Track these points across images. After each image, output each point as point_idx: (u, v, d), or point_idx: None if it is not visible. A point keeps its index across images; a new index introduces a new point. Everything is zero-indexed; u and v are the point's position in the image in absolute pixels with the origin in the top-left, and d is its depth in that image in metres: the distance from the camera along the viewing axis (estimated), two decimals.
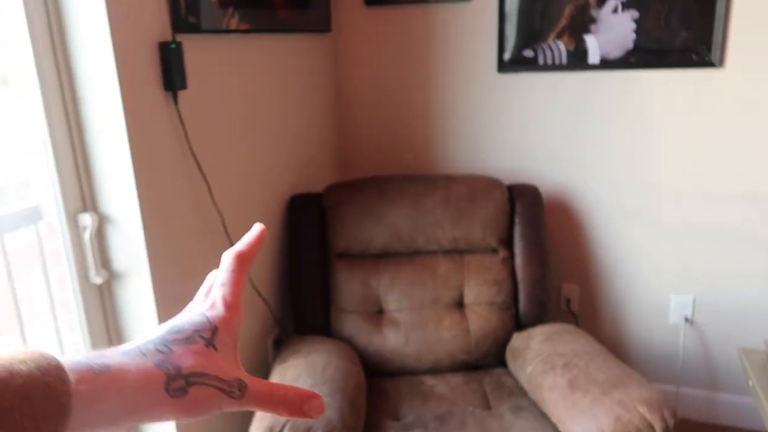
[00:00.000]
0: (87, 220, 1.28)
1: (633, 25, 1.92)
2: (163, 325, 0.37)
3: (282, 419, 1.30)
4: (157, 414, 0.33)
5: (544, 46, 2.01)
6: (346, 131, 2.29)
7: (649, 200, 2.03)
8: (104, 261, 1.34)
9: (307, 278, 1.84)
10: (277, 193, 1.87)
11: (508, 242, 1.89)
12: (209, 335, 0.36)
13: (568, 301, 2.20)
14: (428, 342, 1.76)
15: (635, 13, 1.91)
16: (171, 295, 1.39)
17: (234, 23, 1.55)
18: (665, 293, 2.10)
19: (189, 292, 1.47)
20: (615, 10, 1.92)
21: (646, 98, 1.96)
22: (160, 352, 0.34)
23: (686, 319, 2.09)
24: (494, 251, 1.87)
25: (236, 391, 0.35)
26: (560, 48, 2.00)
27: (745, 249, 1.97)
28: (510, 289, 1.84)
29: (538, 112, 2.07)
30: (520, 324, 1.84)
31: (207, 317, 0.37)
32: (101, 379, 0.31)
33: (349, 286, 1.81)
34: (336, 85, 2.25)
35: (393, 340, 1.76)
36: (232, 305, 0.39)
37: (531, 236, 1.88)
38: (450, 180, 1.90)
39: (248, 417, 1.46)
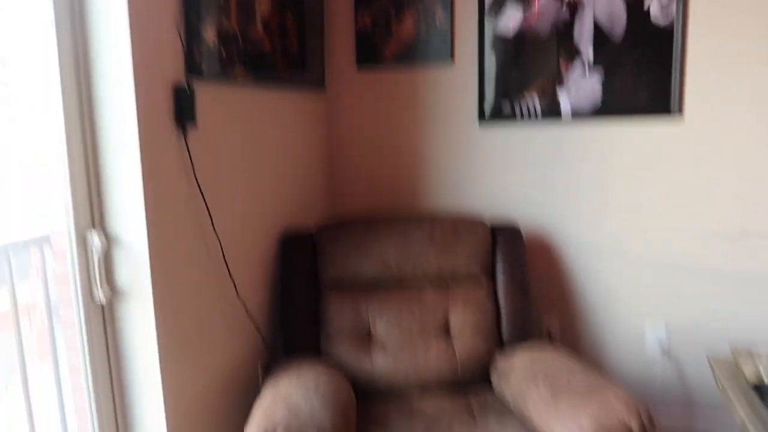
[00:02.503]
0: (95, 237, 1.38)
1: (600, 85, 2.12)
2: None
3: (276, 419, 1.34)
4: None
5: (521, 101, 2.21)
6: (337, 176, 2.44)
7: (625, 235, 2.17)
8: (109, 280, 1.42)
9: (297, 305, 1.91)
10: (270, 229, 1.98)
11: (491, 274, 1.99)
12: None
13: (548, 332, 2.27)
14: (416, 365, 1.82)
15: (601, 75, 2.11)
16: (170, 314, 1.46)
17: (240, 74, 1.72)
18: (640, 324, 2.19)
19: (187, 313, 1.57)
20: (583, 73, 2.13)
21: (616, 145, 2.14)
22: None
23: (661, 347, 2.17)
24: (478, 281, 1.96)
25: None
26: (535, 103, 2.20)
27: (715, 282, 2.09)
28: (493, 316, 1.93)
29: (517, 159, 2.24)
30: (503, 348, 1.91)
31: None
32: None
33: (339, 312, 1.88)
34: (328, 135, 2.42)
35: (381, 364, 1.81)
36: None
37: (512, 269, 1.99)
38: (435, 217, 2.02)
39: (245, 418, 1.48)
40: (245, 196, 1.82)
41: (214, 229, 1.62)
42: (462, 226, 2.00)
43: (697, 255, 2.10)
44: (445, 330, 1.90)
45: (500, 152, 2.26)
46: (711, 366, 1.36)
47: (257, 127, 1.88)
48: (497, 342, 1.90)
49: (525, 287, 1.97)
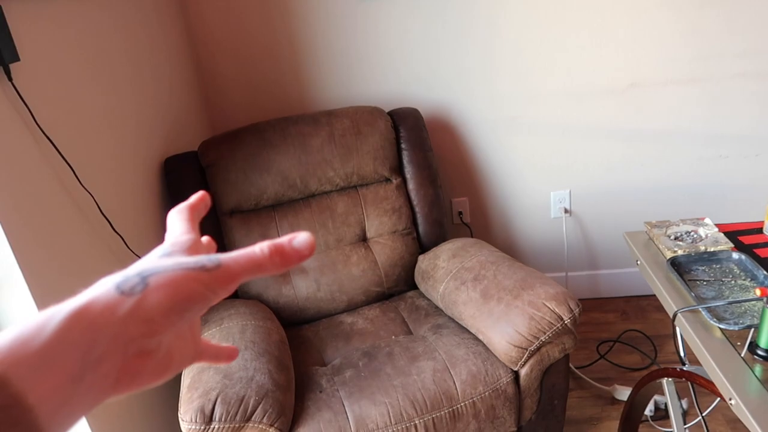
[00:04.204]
0: None
1: None
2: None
3: (209, 389, 1.26)
4: (118, 324, 0.26)
5: None
6: (212, 84, 2.12)
7: (521, 106, 2.12)
8: None
9: None
10: (148, 159, 1.71)
11: (398, 169, 1.89)
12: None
13: (460, 213, 2.29)
14: (340, 282, 1.76)
15: None
16: (56, 295, 1.25)
17: None
18: (545, 190, 2.25)
19: (74, 286, 1.33)
20: None
21: (505, 10, 1.99)
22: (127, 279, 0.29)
23: (566, 211, 2.27)
24: (387, 180, 1.87)
25: (207, 263, 0.29)
26: None
27: (608, 140, 2.14)
28: (408, 215, 1.87)
29: (406, 34, 2.04)
30: (422, 246, 1.89)
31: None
32: (51, 341, 0.25)
33: (247, 242, 1.74)
34: (191, 37, 2.05)
35: (304, 288, 1.73)
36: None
37: (419, 160, 1.90)
38: (331, 116, 1.84)
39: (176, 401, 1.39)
40: (109, 132, 1.52)
41: (80, 182, 1.35)
42: (362, 122, 1.84)
43: (591, 116, 2.11)
44: (363, 239, 1.82)
45: (387, 27, 2.03)
46: (627, 242, 1.41)
47: (100, 43, 1.52)
48: (416, 240, 1.87)
49: (434, 177, 1.91)
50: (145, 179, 1.68)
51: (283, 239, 0.32)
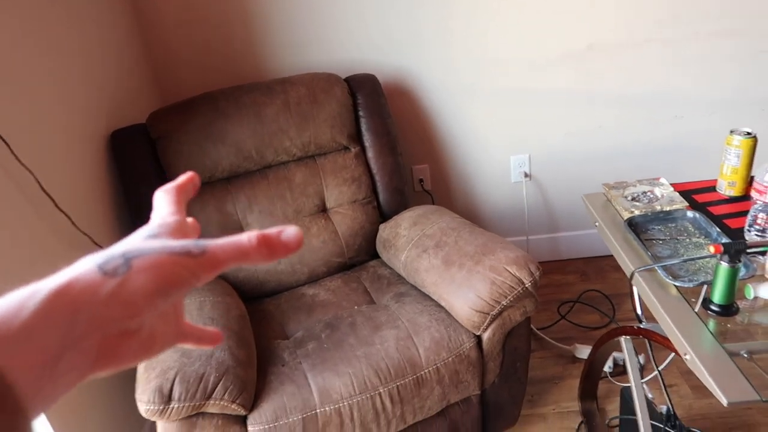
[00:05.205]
0: None
1: None
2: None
3: (167, 368, 1.23)
4: (98, 305, 0.26)
5: None
6: (161, 52, 2.02)
7: (479, 71, 2.09)
8: None
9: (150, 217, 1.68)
10: (94, 132, 1.63)
11: (357, 137, 1.86)
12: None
13: (421, 181, 2.27)
14: (300, 254, 1.73)
15: None
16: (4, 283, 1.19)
17: None
18: (505, 156, 2.24)
19: (17, 269, 1.26)
20: None
21: None
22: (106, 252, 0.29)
23: (526, 175, 2.27)
24: (346, 149, 1.83)
25: (193, 249, 0.30)
26: None
27: (566, 104, 2.14)
28: (368, 183, 1.84)
29: None
30: (383, 214, 1.87)
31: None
32: (29, 322, 0.25)
33: (203, 216, 1.69)
34: (138, 2, 1.94)
35: None
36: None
37: (378, 127, 1.87)
38: (286, 83, 1.78)
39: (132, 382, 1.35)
40: (48, 108, 1.44)
41: (18, 160, 1.28)
42: (318, 89, 1.78)
43: (549, 80, 2.10)
44: (322, 210, 1.79)
45: None
46: (585, 204, 1.42)
47: (42, 17, 1.42)
48: (376, 209, 1.85)
49: (394, 145, 1.88)
50: (92, 154, 1.61)
51: (272, 230, 0.32)
